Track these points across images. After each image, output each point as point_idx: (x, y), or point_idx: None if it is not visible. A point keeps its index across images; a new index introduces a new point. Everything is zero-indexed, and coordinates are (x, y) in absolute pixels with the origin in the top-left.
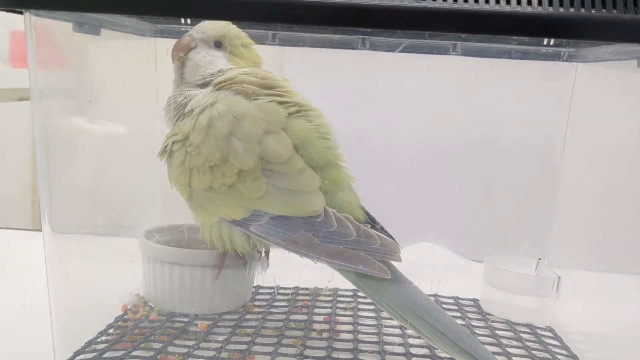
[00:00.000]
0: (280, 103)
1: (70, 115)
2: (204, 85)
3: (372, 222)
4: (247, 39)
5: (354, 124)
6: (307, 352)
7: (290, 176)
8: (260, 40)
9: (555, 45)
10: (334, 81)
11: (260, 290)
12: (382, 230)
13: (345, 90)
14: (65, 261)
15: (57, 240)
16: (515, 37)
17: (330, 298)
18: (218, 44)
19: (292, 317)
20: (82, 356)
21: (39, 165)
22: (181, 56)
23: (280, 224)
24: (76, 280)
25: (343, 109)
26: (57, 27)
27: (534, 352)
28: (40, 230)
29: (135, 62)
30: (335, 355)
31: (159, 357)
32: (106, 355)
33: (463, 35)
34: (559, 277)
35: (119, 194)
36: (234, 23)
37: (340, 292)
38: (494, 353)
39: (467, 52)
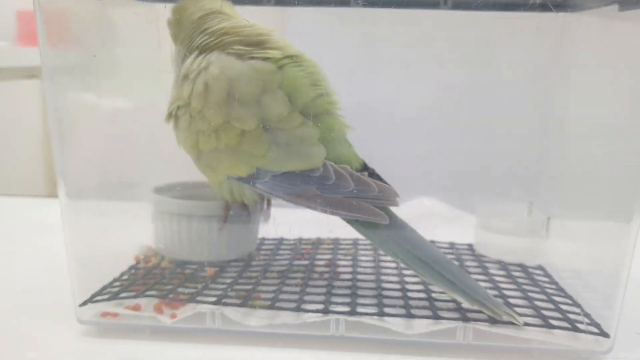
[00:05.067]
0: (267, 58)
1: (80, 90)
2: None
3: (366, 168)
4: None
5: (355, 83)
6: (309, 289)
7: (291, 131)
8: (255, 0)
9: None
10: (336, 41)
11: (266, 242)
12: (376, 175)
13: (347, 49)
14: (78, 222)
15: (71, 204)
16: None
17: (331, 246)
18: None
19: (295, 262)
20: (98, 297)
21: (53, 138)
22: None
23: (283, 180)
24: (89, 238)
25: (344, 67)
26: None
27: (524, 287)
28: (51, 196)
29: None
30: (335, 291)
31: (170, 295)
32: (122, 295)
33: None
34: (548, 218)
35: (128, 159)
36: None
37: (340, 241)
38: (488, 289)
39: (457, 6)
